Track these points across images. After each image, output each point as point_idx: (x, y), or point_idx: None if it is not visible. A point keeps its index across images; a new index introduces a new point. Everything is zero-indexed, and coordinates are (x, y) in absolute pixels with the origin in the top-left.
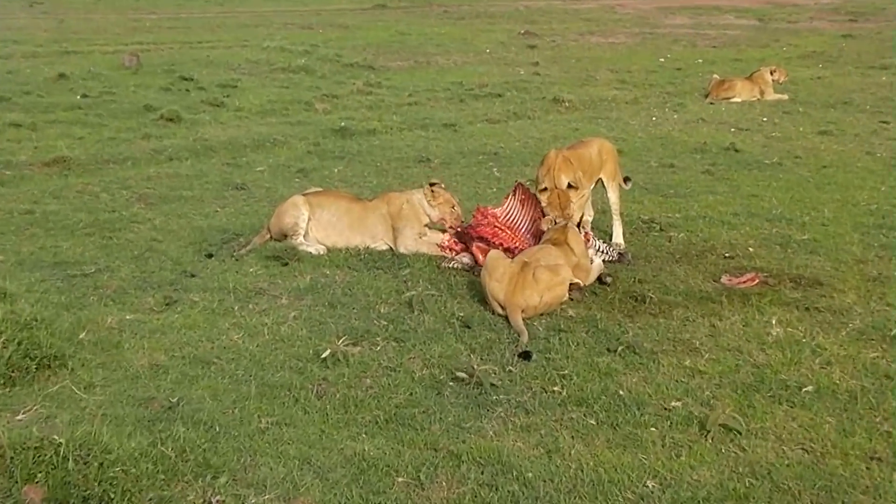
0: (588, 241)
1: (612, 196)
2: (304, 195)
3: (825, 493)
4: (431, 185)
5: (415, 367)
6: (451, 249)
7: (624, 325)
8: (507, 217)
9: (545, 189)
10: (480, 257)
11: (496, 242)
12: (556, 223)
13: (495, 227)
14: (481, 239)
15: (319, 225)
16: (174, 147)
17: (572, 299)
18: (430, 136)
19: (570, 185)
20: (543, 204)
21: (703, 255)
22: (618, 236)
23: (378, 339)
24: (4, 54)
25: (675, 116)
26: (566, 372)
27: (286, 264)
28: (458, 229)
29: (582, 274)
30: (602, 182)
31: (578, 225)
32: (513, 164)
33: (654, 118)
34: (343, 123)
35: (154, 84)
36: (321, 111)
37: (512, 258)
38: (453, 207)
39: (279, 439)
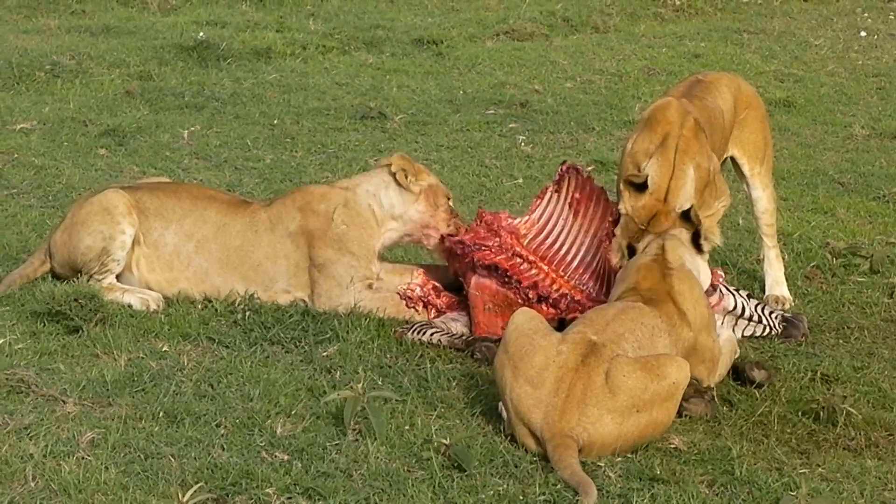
0: (715, 288)
1: (759, 192)
2: (127, 189)
3: None
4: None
5: None
6: (426, 304)
7: (788, 471)
8: (543, 233)
9: (635, 188)
10: (481, 320)
11: (512, 274)
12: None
13: (515, 254)
14: (486, 268)
15: (158, 255)
16: None
17: (684, 415)
18: (388, 66)
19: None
20: (623, 210)
21: None
22: (776, 283)
23: (269, 490)
24: None
25: None
26: None
27: (78, 330)
28: (450, 244)
29: (702, 363)
30: (734, 163)
31: (697, 241)
32: (559, 128)
33: (861, 32)
34: (202, 34)
35: None
36: (156, 7)
37: (556, 320)
38: (448, 201)
39: None
